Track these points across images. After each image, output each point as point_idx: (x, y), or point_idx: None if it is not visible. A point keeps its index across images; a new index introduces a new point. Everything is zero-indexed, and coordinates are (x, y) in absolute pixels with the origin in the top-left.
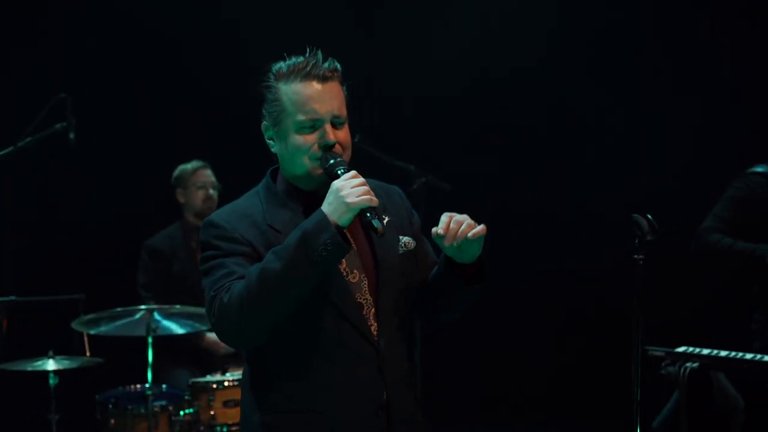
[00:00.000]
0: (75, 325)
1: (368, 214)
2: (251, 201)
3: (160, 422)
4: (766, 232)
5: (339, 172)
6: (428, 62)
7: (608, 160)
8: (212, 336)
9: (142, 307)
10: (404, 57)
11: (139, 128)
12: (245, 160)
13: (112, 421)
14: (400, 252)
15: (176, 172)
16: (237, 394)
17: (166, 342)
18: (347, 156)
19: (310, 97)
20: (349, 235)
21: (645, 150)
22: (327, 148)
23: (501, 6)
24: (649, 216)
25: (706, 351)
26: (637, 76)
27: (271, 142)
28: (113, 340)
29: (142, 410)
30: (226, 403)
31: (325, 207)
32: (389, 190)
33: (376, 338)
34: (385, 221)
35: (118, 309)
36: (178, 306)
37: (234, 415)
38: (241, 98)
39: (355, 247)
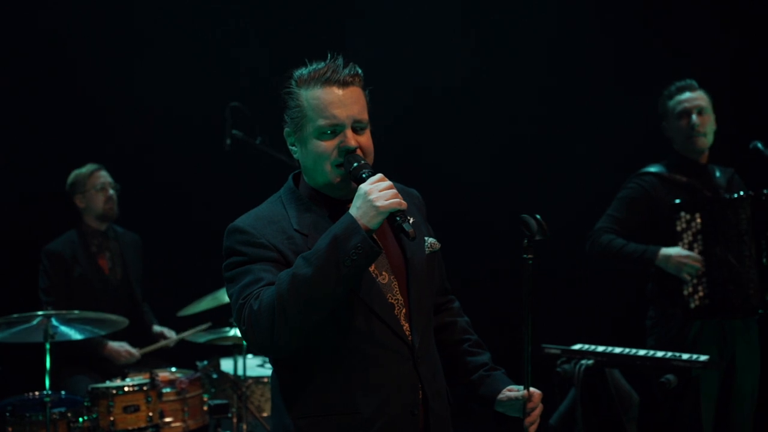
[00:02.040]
0: None
1: (398, 218)
2: (274, 207)
3: (59, 429)
4: (658, 231)
5: (364, 175)
6: (409, 67)
7: (603, 160)
8: (114, 345)
9: (39, 313)
10: (389, 55)
11: (32, 133)
12: (139, 162)
13: (10, 429)
14: (427, 253)
15: (71, 179)
16: (137, 400)
17: (65, 347)
18: (369, 161)
19: (330, 102)
20: (376, 238)
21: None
22: (347, 152)
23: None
24: (538, 216)
25: (600, 348)
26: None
27: (293, 148)
28: (10, 347)
29: (41, 417)
30: (126, 409)
31: (354, 211)
32: (410, 192)
33: (409, 337)
34: (410, 221)
35: (15, 315)
36: (76, 311)
37: (134, 420)
38: (130, 103)
39: (383, 249)
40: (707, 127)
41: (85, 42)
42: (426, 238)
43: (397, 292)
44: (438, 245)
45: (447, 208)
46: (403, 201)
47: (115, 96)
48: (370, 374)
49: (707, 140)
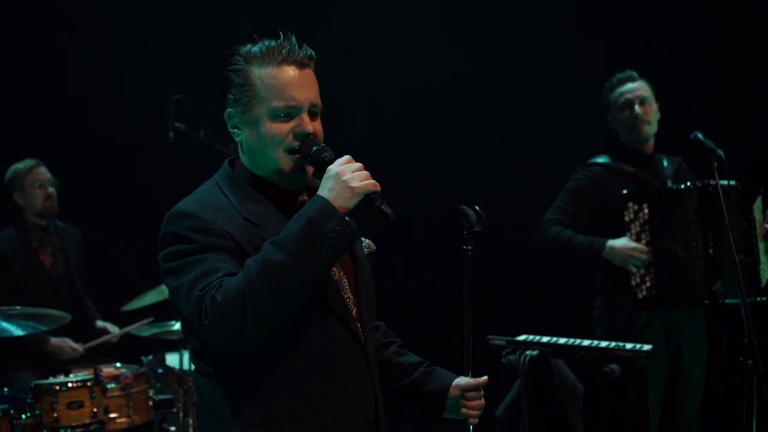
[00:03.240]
0: None
1: (376, 200)
2: (214, 194)
3: (2, 426)
4: (606, 222)
5: (327, 158)
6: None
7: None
8: (56, 341)
9: None
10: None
11: None
12: (80, 156)
13: None
14: (366, 253)
15: (9, 174)
16: (81, 396)
17: (7, 344)
18: None
19: (288, 83)
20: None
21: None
22: (304, 137)
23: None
24: (477, 207)
25: (545, 339)
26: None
27: (235, 130)
28: None
29: None
30: (69, 405)
31: (325, 193)
32: None
33: (362, 337)
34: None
35: None
36: (18, 307)
37: (78, 416)
38: (70, 95)
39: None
40: (650, 116)
41: (26, 32)
42: (363, 239)
43: (348, 290)
44: (374, 247)
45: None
46: (377, 183)
47: (55, 88)
48: (327, 378)
49: (651, 128)
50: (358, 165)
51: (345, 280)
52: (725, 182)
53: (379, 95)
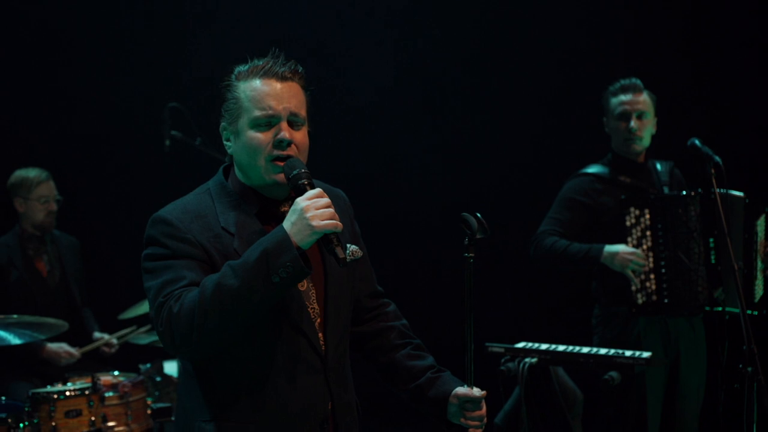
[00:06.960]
0: None
1: (333, 241)
2: (202, 199)
3: None
4: (601, 230)
5: (301, 185)
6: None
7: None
8: (53, 346)
9: None
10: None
11: None
12: (78, 164)
13: None
14: (348, 261)
15: (15, 180)
16: (79, 404)
17: (4, 353)
18: (303, 159)
19: (267, 93)
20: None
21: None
22: (281, 145)
23: None
24: (479, 215)
25: (544, 346)
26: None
27: (228, 143)
28: None
29: None
30: (67, 414)
31: (288, 225)
32: (336, 193)
33: (323, 348)
34: (345, 245)
35: None
36: (15, 316)
37: (76, 425)
38: (68, 103)
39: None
40: (645, 131)
41: (34, 40)
42: (347, 246)
43: (314, 301)
44: (360, 253)
45: (388, 204)
46: (339, 222)
47: (51, 96)
48: (283, 385)
49: (643, 144)
50: (325, 201)
51: (313, 290)
52: (734, 192)
53: (382, 97)
